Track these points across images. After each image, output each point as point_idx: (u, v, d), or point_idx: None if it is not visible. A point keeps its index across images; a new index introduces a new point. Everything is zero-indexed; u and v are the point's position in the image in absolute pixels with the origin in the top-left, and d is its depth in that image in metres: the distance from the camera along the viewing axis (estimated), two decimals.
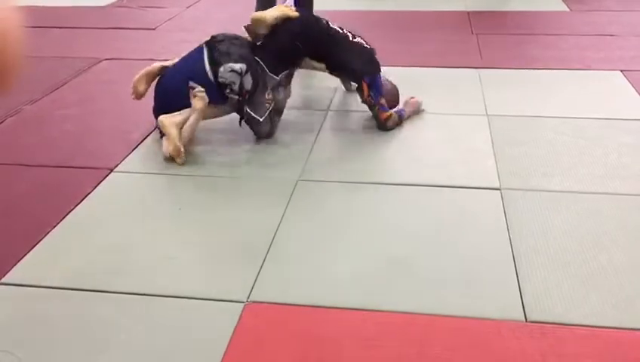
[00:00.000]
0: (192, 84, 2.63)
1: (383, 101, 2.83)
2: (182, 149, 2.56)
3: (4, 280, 1.92)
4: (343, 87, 3.30)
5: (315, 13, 3.38)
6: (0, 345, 1.66)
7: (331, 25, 2.86)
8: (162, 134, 2.67)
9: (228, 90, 2.66)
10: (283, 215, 2.22)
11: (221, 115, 2.81)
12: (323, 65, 2.88)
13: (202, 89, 2.63)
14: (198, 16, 4.89)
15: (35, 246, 2.07)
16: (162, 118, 2.63)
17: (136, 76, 2.84)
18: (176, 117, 2.63)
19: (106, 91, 3.39)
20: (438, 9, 4.92)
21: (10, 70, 0.78)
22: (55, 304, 1.82)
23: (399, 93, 3.02)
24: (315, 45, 2.81)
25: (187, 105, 2.65)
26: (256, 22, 2.77)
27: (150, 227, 2.18)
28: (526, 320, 1.70)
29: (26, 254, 2.03)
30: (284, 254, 2.02)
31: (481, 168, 2.51)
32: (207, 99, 2.63)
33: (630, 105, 3.07)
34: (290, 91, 2.95)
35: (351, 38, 2.87)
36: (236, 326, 1.70)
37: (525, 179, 2.42)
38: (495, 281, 1.86)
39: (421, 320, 1.71)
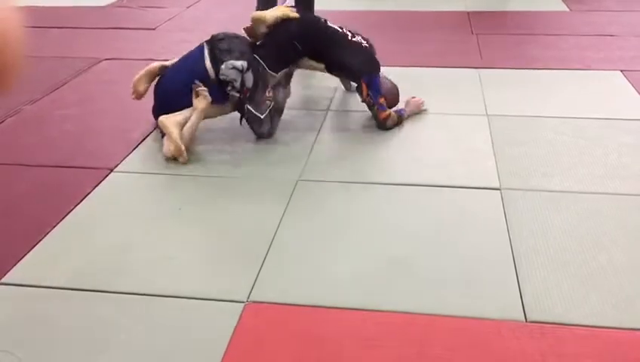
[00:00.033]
0: (196, 82, 2.63)
1: (382, 100, 2.82)
2: (183, 148, 2.56)
3: (4, 280, 1.92)
4: (342, 87, 3.30)
5: (315, 14, 3.39)
6: (0, 345, 1.66)
7: (330, 24, 2.87)
8: (163, 134, 2.67)
9: (229, 88, 2.66)
10: (283, 215, 2.22)
11: (221, 115, 2.81)
12: (322, 65, 2.88)
13: (205, 88, 2.63)
14: (198, 16, 4.89)
15: (35, 246, 2.07)
16: (163, 118, 2.63)
17: (136, 76, 2.85)
18: (177, 116, 2.63)
19: (106, 91, 3.39)
20: (438, 9, 4.91)
21: (10, 70, 0.78)
22: (55, 304, 1.82)
23: (399, 92, 3.02)
24: (313, 45, 2.81)
25: (187, 105, 2.65)
26: (256, 21, 2.78)
27: (150, 227, 2.18)
28: (526, 320, 1.70)
29: (26, 254, 2.03)
30: (284, 254, 2.01)
31: (481, 168, 2.51)
32: (209, 99, 2.64)
33: (630, 105, 3.07)
34: (290, 91, 2.95)
35: (350, 38, 2.87)
36: (236, 326, 1.70)
37: (525, 179, 2.42)
38: (495, 281, 1.86)
39: (421, 320, 1.71)
